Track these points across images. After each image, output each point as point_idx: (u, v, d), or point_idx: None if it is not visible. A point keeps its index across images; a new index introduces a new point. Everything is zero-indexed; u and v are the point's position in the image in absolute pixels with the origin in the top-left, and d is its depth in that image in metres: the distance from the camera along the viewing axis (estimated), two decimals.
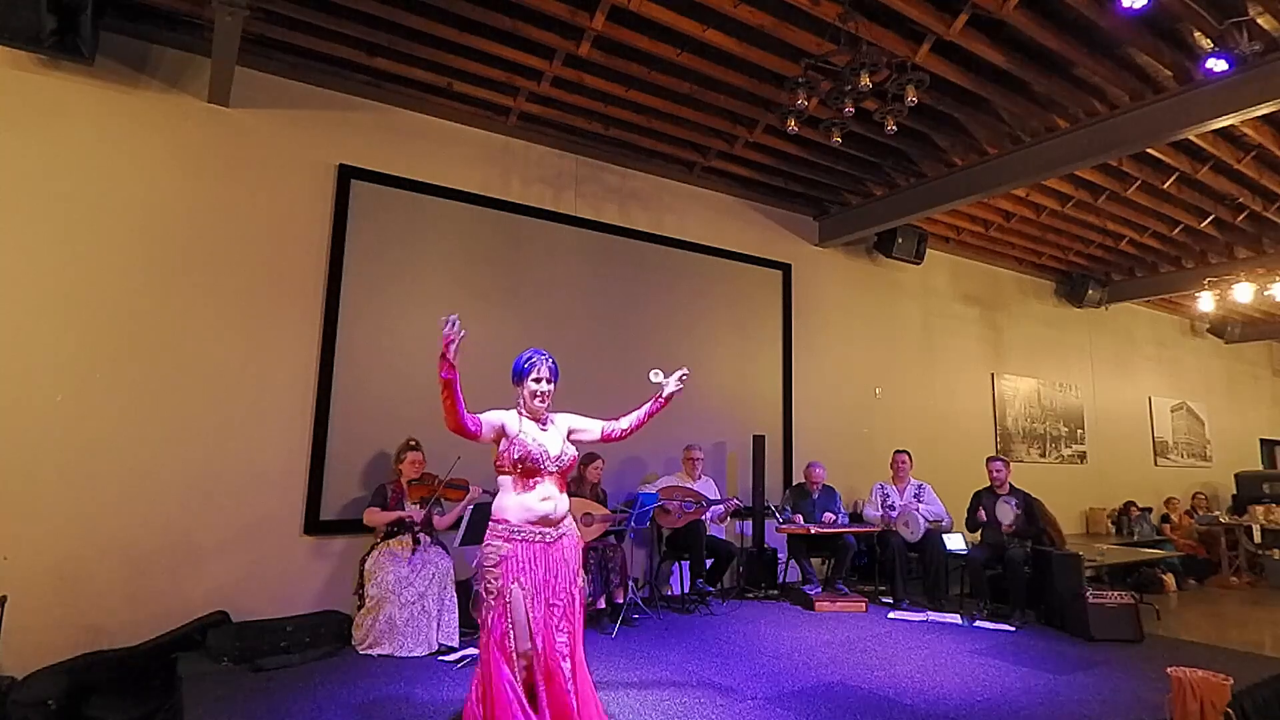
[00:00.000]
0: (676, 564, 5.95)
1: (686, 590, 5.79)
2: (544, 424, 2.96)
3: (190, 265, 4.56)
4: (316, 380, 4.86)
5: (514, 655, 2.70)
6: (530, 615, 2.72)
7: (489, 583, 2.76)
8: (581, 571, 3.00)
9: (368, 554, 4.45)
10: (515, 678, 2.68)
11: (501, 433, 2.84)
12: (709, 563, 5.74)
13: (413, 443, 4.67)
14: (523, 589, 2.73)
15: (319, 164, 5.06)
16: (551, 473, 2.88)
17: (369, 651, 4.16)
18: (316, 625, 4.36)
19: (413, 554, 4.40)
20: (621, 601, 5.06)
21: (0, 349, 4.02)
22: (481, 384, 5.45)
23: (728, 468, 6.70)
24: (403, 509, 4.52)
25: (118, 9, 4.37)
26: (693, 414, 6.49)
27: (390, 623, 4.19)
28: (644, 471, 6.16)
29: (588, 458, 5.33)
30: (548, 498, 2.85)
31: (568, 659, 2.78)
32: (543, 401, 2.93)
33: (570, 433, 3.03)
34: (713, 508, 5.74)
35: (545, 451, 2.85)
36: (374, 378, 5.05)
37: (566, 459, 2.93)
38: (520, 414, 2.92)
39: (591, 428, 3.08)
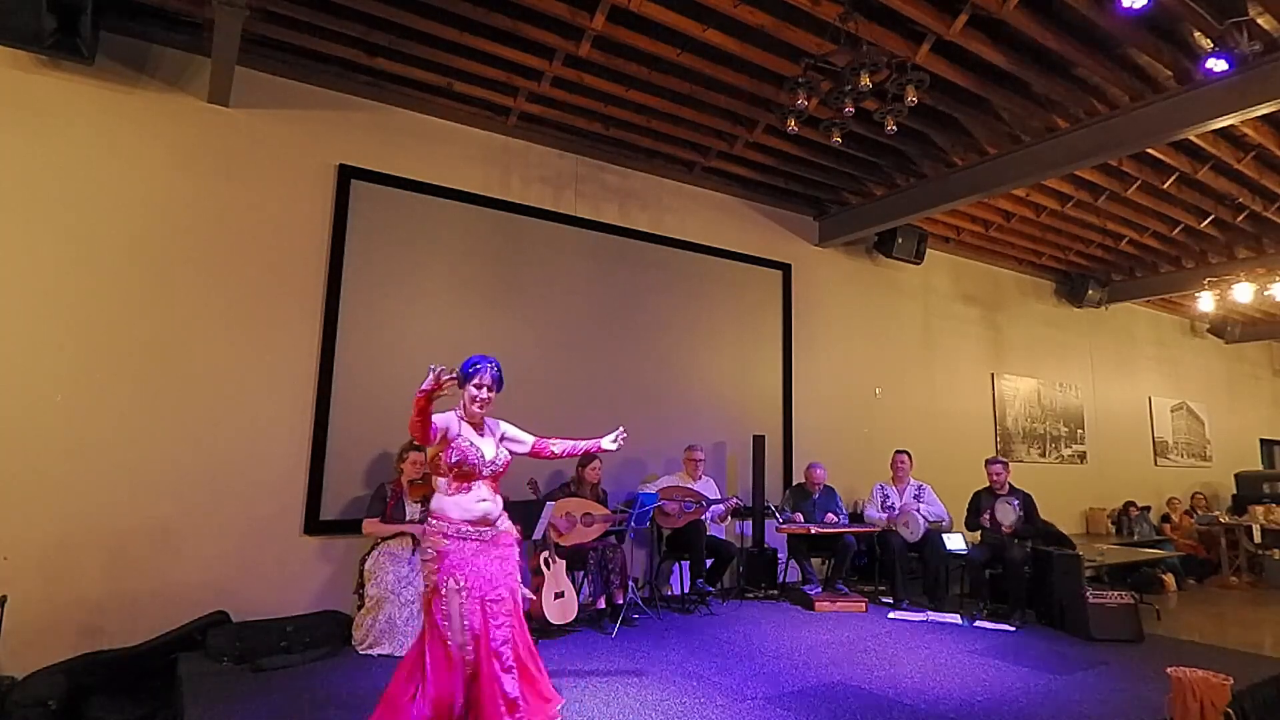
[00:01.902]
0: (676, 564, 5.95)
1: (686, 590, 5.79)
2: (481, 429, 3.09)
3: (190, 265, 4.56)
4: (316, 380, 4.86)
5: (452, 646, 2.80)
6: (466, 610, 2.83)
7: (427, 576, 2.90)
8: (518, 568, 3.13)
9: (368, 554, 4.45)
10: (452, 671, 2.78)
11: (444, 436, 2.94)
12: (709, 563, 5.74)
13: (416, 443, 4.66)
14: (458, 585, 2.85)
15: (319, 164, 5.06)
16: (485, 476, 3.01)
17: (369, 651, 4.17)
18: (316, 625, 4.36)
19: (412, 554, 4.39)
20: (621, 601, 5.05)
21: (0, 349, 4.02)
22: None
23: (728, 468, 6.70)
24: (403, 508, 4.52)
25: (118, 9, 4.37)
26: (693, 414, 6.50)
27: (390, 622, 4.19)
28: (644, 471, 6.16)
29: (585, 458, 5.33)
30: (484, 499, 2.99)
31: (508, 652, 2.88)
32: (481, 407, 3.04)
33: (502, 438, 3.16)
34: (713, 508, 5.73)
35: (481, 456, 2.99)
36: (374, 378, 5.04)
37: (500, 463, 3.06)
38: (460, 417, 3.02)
39: (524, 439, 3.23)
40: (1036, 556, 5.62)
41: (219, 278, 4.63)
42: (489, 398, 3.04)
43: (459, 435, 2.96)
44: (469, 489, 2.96)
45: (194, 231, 4.59)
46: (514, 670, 2.88)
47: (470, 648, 2.81)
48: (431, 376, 2.73)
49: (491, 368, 3.04)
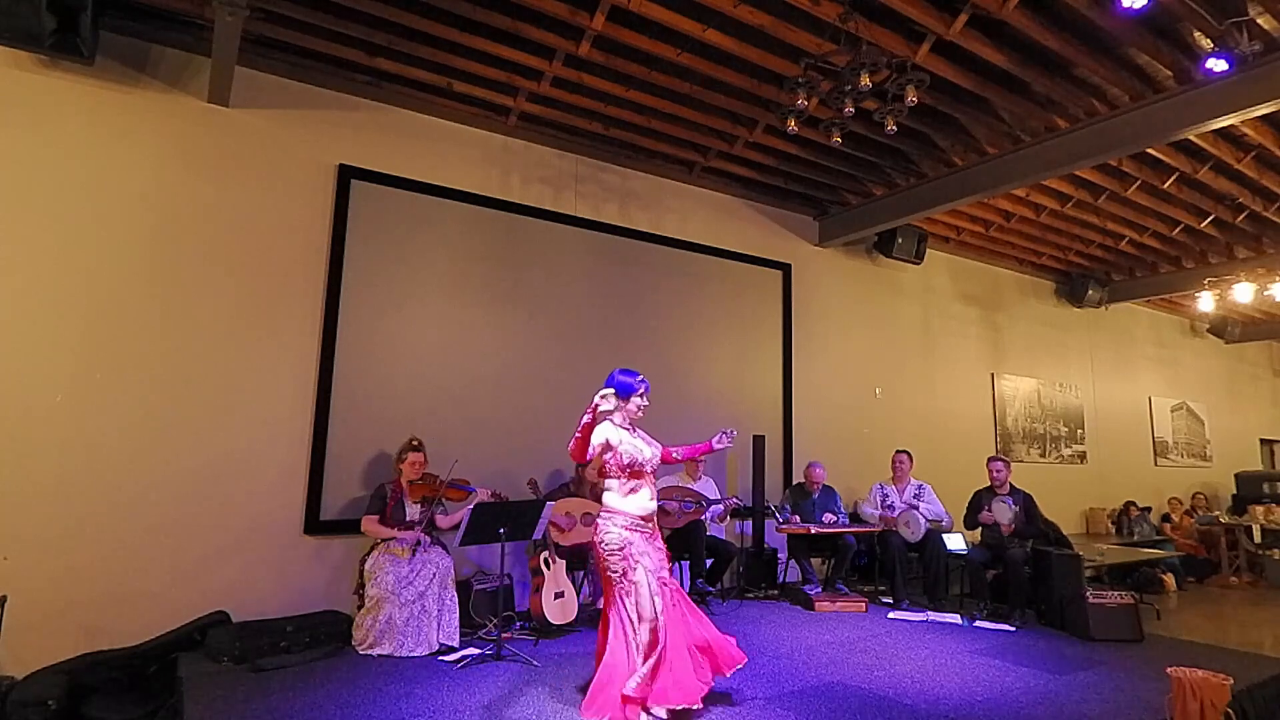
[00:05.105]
0: (676, 564, 5.94)
1: (687, 590, 5.78)
2: (634, 433, 3.53)
3: (190, 265, 4.56)
4: (316, 380, 4.85)
5: (638, 621, 3.22)
6: (654, 590, 3.27)
7: (614, 564, 3.29)
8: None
9: (368, 554, 4.45)
10: (634, 642, 3.22)
11: (605, 446, 3.36)
12: (709, 563, 5.73)
13: (415, 443, 4.67)
14: (647, 568, 3.29)
15: (319, 164, 5.06)
16: (648, 473, 3.47)
17: (369, 651, 4.17)
18: (316, 625, 4.36)
19: (413, 554, 4.39)
20: None
21: (0, 349, 4.02)
22: (484, 382, 5.48)
23: (728, 468, 6.70)
24: (403, 509, 4.52)
25: (118, 9, 4.37)
26: (693, 414, 6.49)
27: (390, 623, 4.19)
28: None
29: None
30: (652, 499, 3.47)
31: (681, 619, 3.36)
32: (642, 415, 3.56)
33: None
34: (713, 507, 5.73)
35: (644, 455, 3.44)
36: (374, 377, 5.05)
37: (656, 460, 3.54)
38: (617, 425, 3.45)
39: (656, 445, 3.61)
40: (1036, 556, 5.62)
41: (219, 278, 4.63)
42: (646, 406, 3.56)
43: (621, 441, 3.39)
44: (639, 489, 3.41)
45: (193, 231, 4.60)
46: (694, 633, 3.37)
47: (660, 620, 3.23)
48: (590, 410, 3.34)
49: (645, 382, 3.55)
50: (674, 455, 3.71)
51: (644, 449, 3.47)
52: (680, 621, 3.35)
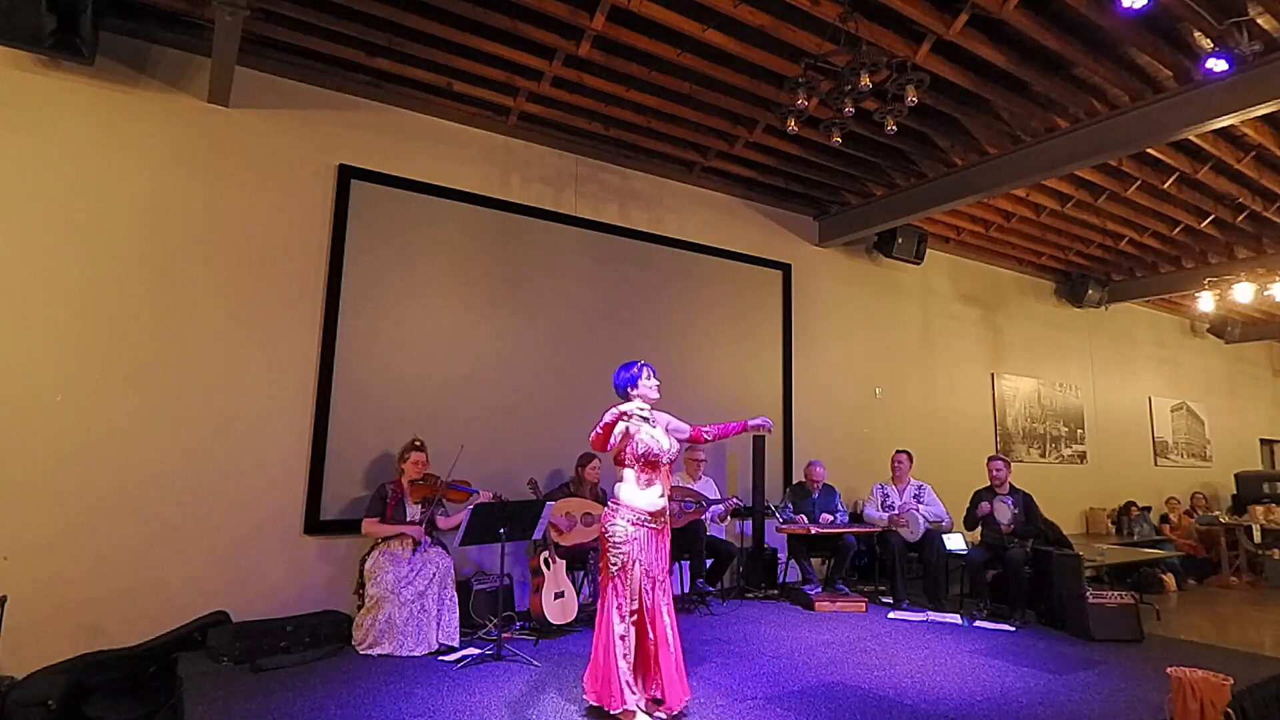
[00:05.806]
0: (676, 564, 5.94)
1: (686, 590, 5.78)
2: (652, 423, 3.44)
3: (190, 265, 4.56)
4: (316, 380, 4.85)
5: (627, 615, 3.24)
6: (645, 585, 3.30)
7: (614, 556, 3.27)
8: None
9: (368, 554, 4.45)
10: (628, 635, 3.24)
11: (624, 434, 3.32)
12: (709, 563, 5.74)
13: (417, 443, 4.67)
14: (642, 565, 3.30)
15: (319, 164, 5.05)
16: (664, 464, 3.41)
17: (369, 651, 4.17)
18: (316, 625, 4.36)
19: (413, 553, 4.40)
20: None
21: (0, 349, 4.02)
22: (483, 382, 5.48)
23: (728, 468, 6.70)
24: (404, 509, 4.52)
25: (118, 9, 4.37)
26: (692, 414, 6.45)
27: (390, 622, 4.19)
28: None
29: (585, 458, 5.34)
30: (663, 495, 3.41)
31: (672, 624, 3.34)
32: (659, 395, 3.49)
33: (668, 427, 3.51)
34: (713, 508, 5.73)
35: (661, 446, 3.38)
36: (374, 377, 5.05)
37: (674, 451, 3.47)
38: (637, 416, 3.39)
39: (685, 428, 3.60)
40: (1037, 556, 5.62)
41: (219, 278, 4.63)
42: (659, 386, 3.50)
43: (639, 430, 3.33)
44: (654, 482, 3.37)
45: (194, 232, 4.59)
46: (676, 642, 3.32)
47: (636, 613, 3.27)
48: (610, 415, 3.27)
49: (649, 366, 3.48)
50: (705, 435, 3.65)
51: (662, 439, 3.40)
52: (673, 628, 3.36)
